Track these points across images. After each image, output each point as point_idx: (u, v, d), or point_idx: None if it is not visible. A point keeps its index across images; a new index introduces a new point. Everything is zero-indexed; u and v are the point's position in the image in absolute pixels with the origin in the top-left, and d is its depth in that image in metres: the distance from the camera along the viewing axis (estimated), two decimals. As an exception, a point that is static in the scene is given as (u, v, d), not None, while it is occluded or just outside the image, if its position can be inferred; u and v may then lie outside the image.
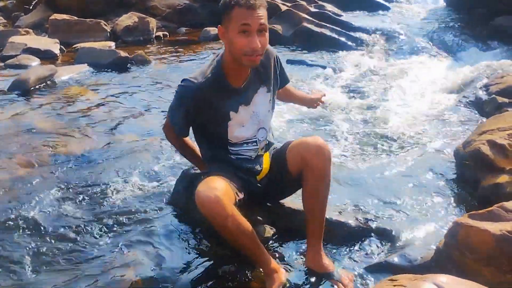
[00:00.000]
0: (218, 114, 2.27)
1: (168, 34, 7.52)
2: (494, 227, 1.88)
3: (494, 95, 4.33)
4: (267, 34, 2.14)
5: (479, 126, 3.43)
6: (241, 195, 2.26)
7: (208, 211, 2.00)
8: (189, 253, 2.42)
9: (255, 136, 2.39)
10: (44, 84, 4.95)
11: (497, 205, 2.01)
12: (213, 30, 7.30)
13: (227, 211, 1.99)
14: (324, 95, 3.06)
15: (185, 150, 2.57)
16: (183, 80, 2.26)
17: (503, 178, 2.81)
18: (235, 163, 2.37)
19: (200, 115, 2.26)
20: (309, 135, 2.80)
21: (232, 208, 2.03)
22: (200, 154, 2.52)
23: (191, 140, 2.55)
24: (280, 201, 2.66)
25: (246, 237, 2.07)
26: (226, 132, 2.32)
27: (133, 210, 2.77)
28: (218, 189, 2.04)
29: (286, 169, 2.37)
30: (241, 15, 2.05)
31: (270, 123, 2.53)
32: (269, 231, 2.51)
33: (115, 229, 2.60)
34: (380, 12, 8.37)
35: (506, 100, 4.18)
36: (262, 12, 2.09)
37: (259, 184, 2.44)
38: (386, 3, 8.77)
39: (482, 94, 4.52)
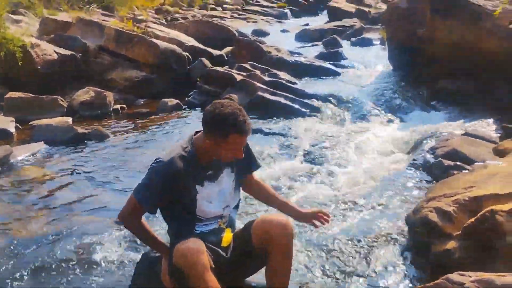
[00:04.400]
0: (187, 189, 2.38)
1: (126, 106, 7.59)
2: (442, 301, 1.97)
3: (440, 158, 4.56)
4: None
5: (427, 192, 3.61)
6: (212, 263, 2.30)
7: (190, 261, 2.13)
8: None
9: (221, 213, 2.48)
10: (0, 165, 4.88)
11: (443, 277, 2.11)
12: (170, 102, 7.45)
13: (206, 262, 2.15)
14: (327, 215, 2.71)
15: (146, 233, 2.55)
16: (156, 160, 2.37)
17: (451, 244, 2.94)
18: (200, 236, 2.42)
19: (172, 192, 2.36)
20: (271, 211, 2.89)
21: (208, 263, 2.17)
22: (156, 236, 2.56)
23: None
24: (237, 280, 2.69)
25: None
26: (194, 206, 2.41)
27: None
28: (198, 243, 2.21)
29: (251, 245, 2.45)
30: (236, 140, 2.30)
31: (237, 202, 2.62)
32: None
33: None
34: (331, 77, 8.75)
35: (452, 163, 4.41)
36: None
37: (225, 255, 2.48)
38: (337, 69, 9.19)
39: (430, 157, 4.75)
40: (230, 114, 2.26)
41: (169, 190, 2.35)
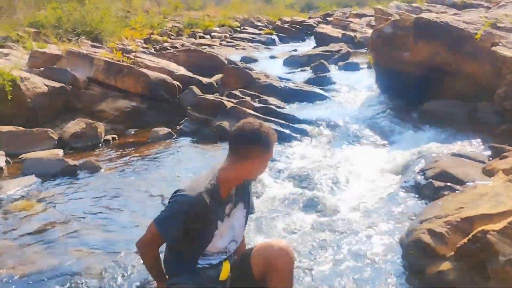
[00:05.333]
0: (210, 224, 2.37)
1: (117, 136, 7.61)
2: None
3: (431, 180, 4.61)
4: None
5: (418, 214, 3.64)
6: None
7: None
8: None
9: (226, 247, 2.48)
10: (-10, 200, 4.86)
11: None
12: (161, 131, 7.47)
13: None
14: None
15: (158, 265, 2.53)
16: (180, 193, 2.34)
17: (445, 266, 2.96)
18: (199, 271, 2.42)
19: (194, 226, 2.33)
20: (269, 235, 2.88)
21: None
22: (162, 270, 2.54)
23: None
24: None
25: None
26: (209, 242, 2.40)
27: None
28: None
29: (250, 273, 2.45)
30: (268, 155, 2.43)
31: (241, 239, 2.62)
32: None
33: None
34: (321, 102, 8.85)
35: (442, 184, 4.46)
36: None
37: None
38: (325, 93, 9.30)
39: (420, 179, 4.80)
40: (265, 128, 2.41)
41: (191, 224, 2.32)
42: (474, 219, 3.14)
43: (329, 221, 4.24)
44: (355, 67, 12.53)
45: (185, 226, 2.32)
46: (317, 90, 9.47)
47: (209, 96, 8.26)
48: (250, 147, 2.36)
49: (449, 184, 4.43)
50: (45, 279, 3.34)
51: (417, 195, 4.66)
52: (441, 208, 3.46)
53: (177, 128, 7.76)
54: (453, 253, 3.00)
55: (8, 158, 6.32)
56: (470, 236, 2.89)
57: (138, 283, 2.99)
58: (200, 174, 2.49)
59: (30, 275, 3.40)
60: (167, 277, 2.50)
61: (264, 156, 2.40)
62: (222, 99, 7.98)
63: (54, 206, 4.76)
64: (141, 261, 3.46)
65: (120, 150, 6.91)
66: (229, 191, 2.45)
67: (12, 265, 3.54)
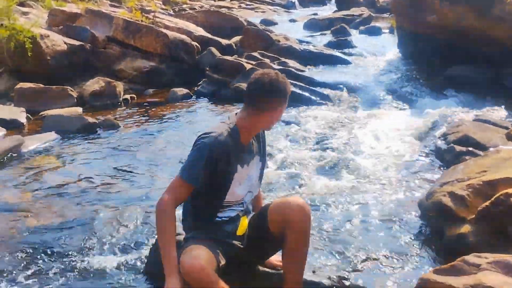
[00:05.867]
0: (230, 165, 2.36)
1: (135, 96, 7.61)
2: (458, 282, 1.97)
3: (452, 144, 4.53)
4: None
5: (439, 177, 3.59)
6: (223, 261, 2.30)
7: (193, 280, 2.07)
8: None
9: (243, 198, 2.48)
10: (11, 155, 4.91)
11: (459, 259, 2.10)
12: (180, 91, 7.45)
13: (211, 278, 2.09)
14: None
15: (171, 226, 2.28)
16: (204, 135, 2.32)
17: (465, 228, 2.93)
18: (217, 225, 2.43)
19: (217, 165, 2.31)
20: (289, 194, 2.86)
21: (215, 275, 2.12)
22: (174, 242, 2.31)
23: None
24: (254, 264, 2.69)
25: None
26: (228, 186, 2.39)
27: (108, 280, 2.77)
28: (202, 258, 2.12)
29: (267, 229, 2.44)
30: (285, 106, 2.40)
31: (257, 191, 2.62)
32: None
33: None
34: (341, 66, 8.70)
35: (464, 148, 4.38)
36: None
37: (241, 245, 2.48)
38: (346, 57, 9.14)
39: (441, 144, 4.73)
40: (282, 78, 2.36)
41: (214, 163, 2.30)
42: (497, 182, 3.08)
43: (347, 182, 4.22)
44: (377, 32, 12.28)
45: (208, 167, 2.29)
46: (337, 54, 9.30)
47: (228, 58, 8.17)
48: (268, 99, 2.32)
49: (471, 149, 4.35)
50: (62, 231, 3.39)
51: (437, 160, 4.59)
52: (463, 172, 3.40)
53: (195, 89, 7.73)
54: (473, 216, 2.96)
55: (29, 115, 6.38)
56: (492, 199, 2.85)
57: (153, 237, 3.02)
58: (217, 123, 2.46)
59: (47, 226, 3.46)
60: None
61: (282, 107, 2.37)
62: (241, 61, 7.89)
63: (74, 162, 4.81)
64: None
65: (139, 110, 6.92)
66: (248, 139, 2.44)
67: (29, 216, 3.60)
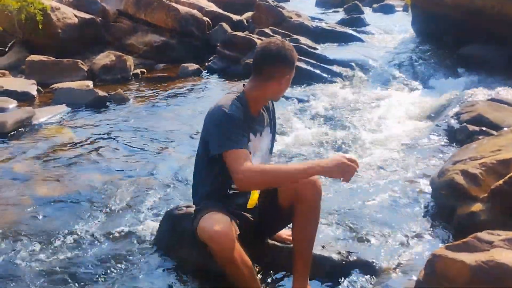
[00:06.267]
0: (245, 131, 2.30)
1: (146, 71, 7.59)
2: (470, 258, 1.94)
3: (465, 124, 4.48)
4: None
5: (452, 156, 3.55)
6: (238, 232, 2.30)
7: (217, 245, 2.07)
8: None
9: None
10: (22, 127, 4.92)
11: (471, 236, 2.07)
12: (190, 66, 7.41)
13: (235, 243, 2.09)
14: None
15: (277, 167, 2.45)
16: (220, 107, 2.25)
17: (477, 207, 2.90)
18: (229, 198, 2.41)
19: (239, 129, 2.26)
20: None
21: (237, 243, 2.12)
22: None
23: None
24: (263, 237, 2.70)
25: (247, 269, 2.15)
26: None
27: (118, 252, 2.78)
28: (224, 222, 2.12)
29: (277, 202, 2.44)
30: (292, 74, 2.34)
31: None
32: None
33: (99, 272, 2.59)
34: (353, 44, 8.61)
35: (477, 128, 4.33)
36: None
37: (252, 218, 2.48)
38: (359, 35, 9.02)
39: (454, 123, 4.67)
40: (289, 46, 2.32)
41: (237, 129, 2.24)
42: (511, 161, 3.04)
43: (358, 160, 4.17)
44: (390, 10, 12.11)
45: (241, 128, 2.24)
46: (350, 31, 9.19)
47: (239, 34, 8.10)
48: (276, 67, 2.28)
49: (484, 128, 4.30)
50: (72, 202, 3.41)
51: (449, 139, 4.54)
52: (476, 150, 3.36)
53: (206, 64, 7.69)
54: (486, 194, 2.93)
55: (40, 87, 6.38)
56: (506, 178, 2.81)
57: (168, 207, 3.03)
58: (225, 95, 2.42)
59: (58, 197, 3.48)
60: None
61: (290, 75, 2.32)
62: (253, 37, 7.82)
63: (84, 134, 4.82)
64: (171, 186, 3.56)
65: (149, 84, 6.90)
66: (258, 110, 2.40)
67: (40, 188, 3.62)
